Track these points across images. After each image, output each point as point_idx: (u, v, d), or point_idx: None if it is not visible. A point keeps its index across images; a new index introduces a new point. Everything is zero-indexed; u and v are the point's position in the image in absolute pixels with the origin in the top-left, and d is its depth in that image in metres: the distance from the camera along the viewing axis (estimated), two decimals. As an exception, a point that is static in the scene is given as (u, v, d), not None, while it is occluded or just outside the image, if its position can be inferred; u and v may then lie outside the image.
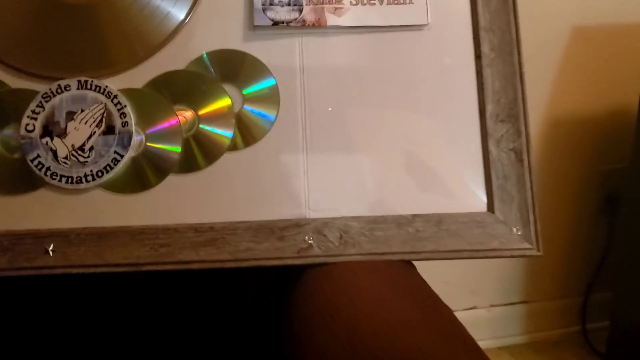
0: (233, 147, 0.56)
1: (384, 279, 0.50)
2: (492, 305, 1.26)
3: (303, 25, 0.57)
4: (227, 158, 0.56)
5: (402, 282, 0.52)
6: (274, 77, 0.57)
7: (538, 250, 0.54)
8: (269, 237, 0.53)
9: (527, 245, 0.54)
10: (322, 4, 0.58)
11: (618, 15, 1.12)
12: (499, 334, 1.30)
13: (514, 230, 0.54)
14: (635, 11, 1.04)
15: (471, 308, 1.24)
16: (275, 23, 0.57)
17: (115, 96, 0.55)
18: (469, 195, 0.55)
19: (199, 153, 0.56)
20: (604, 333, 1.22)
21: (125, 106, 0.55)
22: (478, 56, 0.57)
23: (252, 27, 0.57)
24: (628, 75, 1.10)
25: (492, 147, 0.55)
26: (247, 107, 0.57)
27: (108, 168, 0.54)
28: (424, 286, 0.52)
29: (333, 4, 0.58)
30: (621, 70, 1.14)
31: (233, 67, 0.58)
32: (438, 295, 0.51)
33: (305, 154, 0.56)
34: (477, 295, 1.24)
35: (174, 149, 0.56)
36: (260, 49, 0.57)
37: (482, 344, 1.27)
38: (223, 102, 0.57)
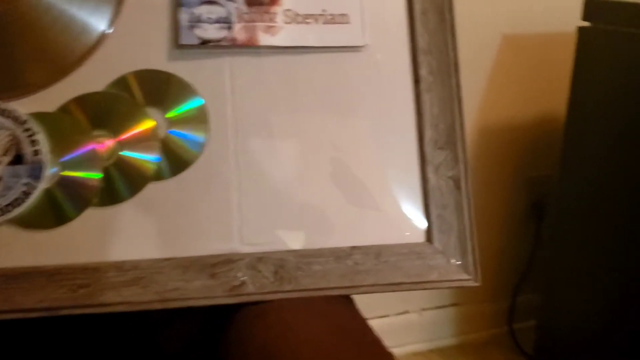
0: (159, 175, 0.52)
1: (322, 321, 0.48)
2: (423, 309, 1.27)
3: (233, 44, 0.54)
4: (152, 188, 0.52)
5: (341, 323, 0.49)
6: (201, 97, 0.53)
7: (476, 281, 0.53)
8: (198, 275, 0.49)
9: (466, 276, 0.53)
10: (254, 22, 0.54)
11: (547, 25, 1.14)
12: (430, 337, 1.31)
13: (453, 261, 0.53)
14: (563, 20, 1.06)
15: (403, 312, 1.24)
16: (204, 42, 0.53)
17: (25, 121, 0.50)
18: (408, 225, 0.53)
19: (120, 183, 0.52)
20: (530, 334, 1.24)
21: (36, 133, 0.50)
22: (417, 81, 0.55)
23: (179, 46, 0.53)
24: (556, 84, 1.11)
25: (430, 175, 0.54)
26: (173, 131, 0.53)
27: (18, 202, 0.49)
28: (363, 327, 0.50)
29: (266, 22, 0.54)
30: (549, 78, 1.16)
31: (157, 89, 0.53)
32: (378, 336, 0.49)
33: (237, 182, 0.53)
34: (408, 299, 1.24)
35: (93, 175, 0.52)
36: (187, 69, 0.54)
37: (414, 347, 1.28)
38: (146, 125, 0.53)
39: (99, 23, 0.54)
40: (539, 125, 1.21)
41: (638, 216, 1.00)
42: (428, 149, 0.54)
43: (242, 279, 0.50)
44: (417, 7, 0.56)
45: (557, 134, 1.13)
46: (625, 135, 1.00)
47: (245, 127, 0.53)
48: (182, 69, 0.53)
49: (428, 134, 0.54)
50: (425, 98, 0.55)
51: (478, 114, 1.17)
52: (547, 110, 1.20)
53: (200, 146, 0.53)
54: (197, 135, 0.53)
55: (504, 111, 1.19)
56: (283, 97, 0.54)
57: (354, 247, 0.52)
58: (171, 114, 0.53)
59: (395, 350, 0.49)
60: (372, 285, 0.51)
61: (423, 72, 0.55)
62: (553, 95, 1.14)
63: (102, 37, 0.53)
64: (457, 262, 0.53)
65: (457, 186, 0.53)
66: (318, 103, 0.55)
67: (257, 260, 0.50)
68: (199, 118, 0.54)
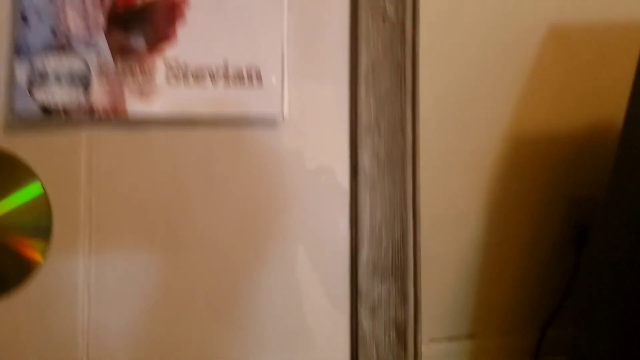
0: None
1: None
2: (431, 340, 1.11)
3: (91, 114, 0.37)
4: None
5: None
6: (42, 184, 0.38)
7: None
8: None
9: None
10: (122, 79, 0.37)
11: (601, 13, 0.91)
12: (439, 372, 1.15)
13: None
14: (622, 9, 0.83)
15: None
16: (47, 110, 0.37)
17: None
18: None
19: None
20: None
21: None
22: (354, 172, 0.37)
23: (14, 113, 0.37)
24: (612, 86, 0.90)
25: (363, 318, 0.37)
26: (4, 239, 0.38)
27: None
28: None
29: (139, 80, 0.37)
30: (604, 78, 0.94)
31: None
32: None
33: (85, 310, 0.37)
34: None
35: None
36: (25, 144, 0.38)
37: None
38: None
39: None
40: (587, 135, 1.00)
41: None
42: (363, 277, 0.37)
43: None
44: (363, 60, 0.37)
45: (608, 146, 0.92)
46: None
47: (102, 231, 0.38)
48: (20, 143, 0.38)
49: (364, 253, 0.37)
50: (365, 198, 0.37)
51: (512, 120, 0.96)
52: (598, 117, 0.98)
53: (40, 254, 0.38)
54: (34, 239, 0.38)
55: (544, 117, 0.98)
56: (157, 189, 0.38)
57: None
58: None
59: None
60: None
61: (364, 160, 0.37)
62: (607, 99, 0.92)
63: None
64: None
65: (401, 339, 0.36)
66: (208, 200, 0.38)
67: None
68: (39, 214, 0.38)
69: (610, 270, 0.98)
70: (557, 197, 1.03)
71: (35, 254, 0.38)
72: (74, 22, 0.37)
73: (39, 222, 0.38)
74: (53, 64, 0.37)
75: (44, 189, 0.38)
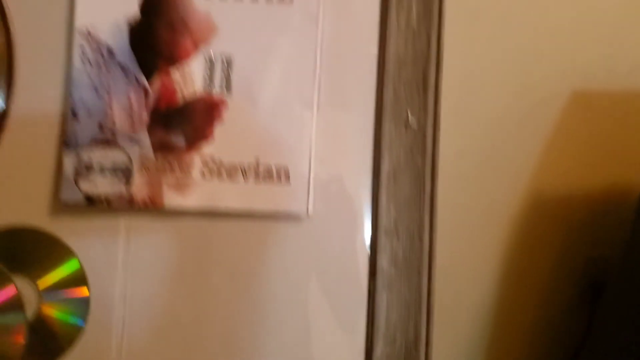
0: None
1: None
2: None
3: (130, 204, 0.40)
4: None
5: None
6: (79, 261, 0.41)
7: None
8: None
9: None
10: (161, 174, 0.40)
11: (625, 82, 0.92)
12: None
13: None
14: (644, 80, 0.85)
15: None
16: (91, 200, 0.40)
17: None
18: None
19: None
20: None
21: None
22: (372, 273, 0.40)
23: (60, 200, 0.41)
24: (630, 150, 0.91)
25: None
26: (47, 310, 0.41)
27: None
28: None
29: (177, 175, 0.40)
30: (622, 143, 0.95)
31: (27, 253, 0.41)
32: None
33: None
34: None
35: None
36: (67, 231, 0.41)
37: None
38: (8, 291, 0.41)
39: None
40: (604, 197, 1.01)
41: None
42: (376, 374, 0.39)
43: None
44: (385, 167, 0.40)
45: (625, 209, 0.92)
46: None
47: (135, 311, 0.40)
48: (63, 227, 0.41)
49: (379, 350, 0.39)
50: (382, 298, 0.39)
51: (532, 180, 0.98)
52: (616, 180, 0.99)
53: (77, 330, 0.41)
54: (74, 315, 0.41)
55: (564, 179, 0.99)
56: (190, 275, 0.41)
57: None
58: (44, 282, 0.41)
59: None
60: None
61: (383, 261, 0.40)
62: (625, 164, 0.93)
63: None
64: None
65: None
66: (236, 287, 0.41)
67: None
68: (76, 287, 0.41)
69: (624, 330, 0.99)
70: (572, 256, 1.04)
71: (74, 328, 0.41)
72: (119, 119, 0.40)
73: (80, 303, 0.41)
74: (98, 156, 0.40)
75: (81, 265, 0.41)
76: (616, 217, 0.98)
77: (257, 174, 0.40)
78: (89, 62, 0.40)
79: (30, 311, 0.41)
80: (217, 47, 0.41)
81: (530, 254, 0.98)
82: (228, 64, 0.41)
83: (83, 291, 0.41)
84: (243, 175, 0.40)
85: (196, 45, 0.40)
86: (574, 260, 1.04)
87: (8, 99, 0.40)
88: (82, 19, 0.40)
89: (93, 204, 0.40)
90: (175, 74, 0.41)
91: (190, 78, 0.41)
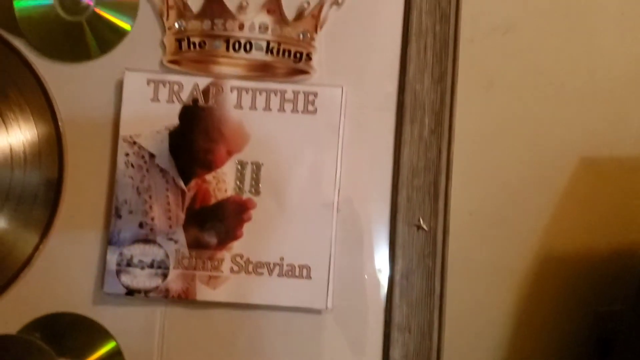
0: None
1: None
2: None
3: (165, 296, 0.44)
4: None
5: None
6: (122, 349, 0.45)
7: None
8: None
9: None
10: (195, 269, 0.44)
11: (631, 148, 0.95)
12: None
13: None
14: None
15: None
16: (130, 291, 0.44)
17: None
18: None
19: None
20: None
21: None
22: (385, 365, 0.44)
23: (102, 292, 0.45)
24: (637, 213, 0.94)
25: None
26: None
27: None
28: None
29: (208, 270, 0.44)
30: (629, 207, 0.98)
31: (71, 337, 0.45)
32: None
33: None
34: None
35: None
36: (108, 318, 0.45)
37: None
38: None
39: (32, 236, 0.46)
40: (612, 257, 1.03)
41: None
42: None
43: None
44: (399, 267, 0.44)
45: (632, 267, 0.95)
46: None
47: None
48: (105, 315, 0.45)
49: None
50: (394, 388, 0.43)
51: (543, 239, 1.01)
52: (623, 241, 1.02)
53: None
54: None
55: (572, 239, 1.02)
56: (219, 362, 0.45)
57: None
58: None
59: None
60: None
61: (395, 355, 0.43)
62: (633, 227, 0.96)
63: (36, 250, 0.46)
64: None
65: None
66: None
67: None
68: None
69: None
70: (581, 312, 1.07)
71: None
72: (158, 218, 0.44)
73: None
74: (138, 252, 0.44)
75: (120, 349, 0.45)
76: (623, 273, 1.00)
77: (281, 272, 0.44)
78: (132, 165, 0.45)
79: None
80: (248, 154, 0.45)
81: (540, 310, 1.01)
82: (257, 169, 0.45)
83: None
84: (268, 272, 0.44)
85: (230, 154, 0.45)
86: (582, 315, 1.06)
87: (58, 199, 0.45)
88: (127, 130, 0.45)
89: (132, 295, 0.44)
90: (210, 176, 0.45)
91: (223, 180, 0.45)
